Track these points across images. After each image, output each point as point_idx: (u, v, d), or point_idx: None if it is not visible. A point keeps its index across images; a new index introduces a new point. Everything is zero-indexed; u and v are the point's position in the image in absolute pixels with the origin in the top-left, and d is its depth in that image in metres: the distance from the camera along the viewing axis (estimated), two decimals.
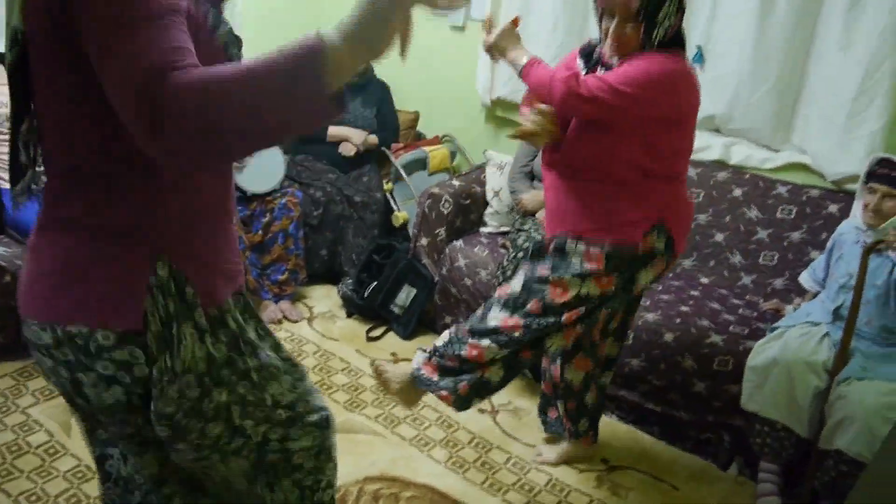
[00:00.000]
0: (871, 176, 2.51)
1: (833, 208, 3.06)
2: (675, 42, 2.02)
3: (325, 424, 1.38)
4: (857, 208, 2.59)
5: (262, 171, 3.42)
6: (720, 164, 3.36)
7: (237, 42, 1.14)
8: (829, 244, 2.75)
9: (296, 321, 3.54)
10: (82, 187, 1.06)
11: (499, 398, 2.94)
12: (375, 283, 3.54)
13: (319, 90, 0.90)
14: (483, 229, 3.63)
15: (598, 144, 2.04)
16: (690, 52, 3.30)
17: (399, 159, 3.88)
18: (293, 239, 3.57)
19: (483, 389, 2.28)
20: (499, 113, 4.04)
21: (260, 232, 3.51)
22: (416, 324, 3.51)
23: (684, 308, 2.93)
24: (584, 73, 2.11)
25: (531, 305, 2.14)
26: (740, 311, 2.98)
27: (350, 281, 3.65)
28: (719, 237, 3.28)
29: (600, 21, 2.03)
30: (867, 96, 2.91)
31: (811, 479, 2.40)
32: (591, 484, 2.58)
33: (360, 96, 3.98)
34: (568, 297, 2.11)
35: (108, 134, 1.01)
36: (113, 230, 1.07)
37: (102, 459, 1.35)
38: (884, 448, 2.19)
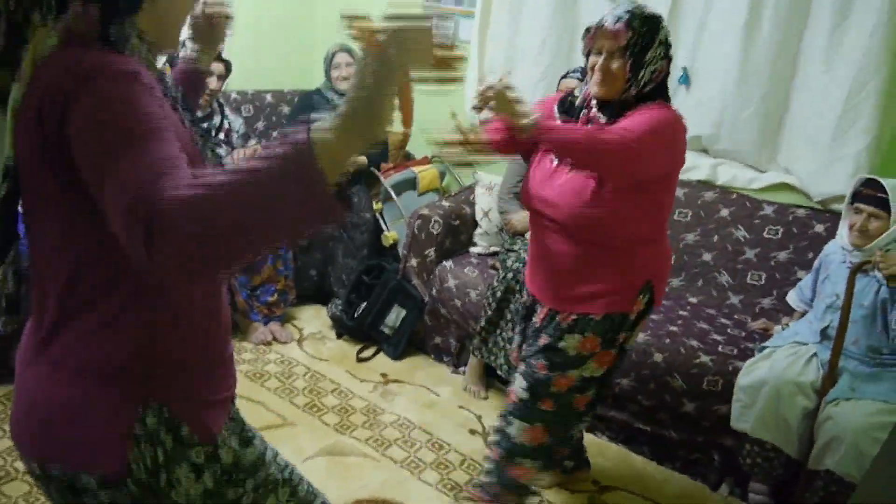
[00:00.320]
0: (857, 196, 2.54)
1: (819, 228, 3.09)
2: (661, 93, 1.97)
3: None
4: (842, 228, 2.62)
5: None
6: (707, 185, 3.39)
7: (209, 143, 1.16)
8: (815, 264, 2.77)
9: (285, 343, 3.53)
10: (71, 322, 1.02)
11: (490, 420, 2.94)
12: (365, 303, 3.53)
13: (314, 190, 0.83)
14: (473, 250, 3.64)
15: (598, 203, 1.93)
16: (675, 74, 3.35)
17: (388, 179, 3.89)
18: (282, 260, 3.57)
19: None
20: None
21: None
22: (406, 344, 3.51)
23: (673, 328, 2.94)
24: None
25: (544, 405, 2.08)
26: (729, 330, 3.00)
27: (339, 302, 3.65)
28: (707, 257, 3.30)
29: (587, 58, 1.99)
30: (851, 117, 2.95)
31: (801, 499, 2.41)
32: None
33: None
34: (574, 381, 2.06)
35: (101, 265, 0.99)
36: (101, 371, 1.03)
37: None
38: (873, 468, 2.21)
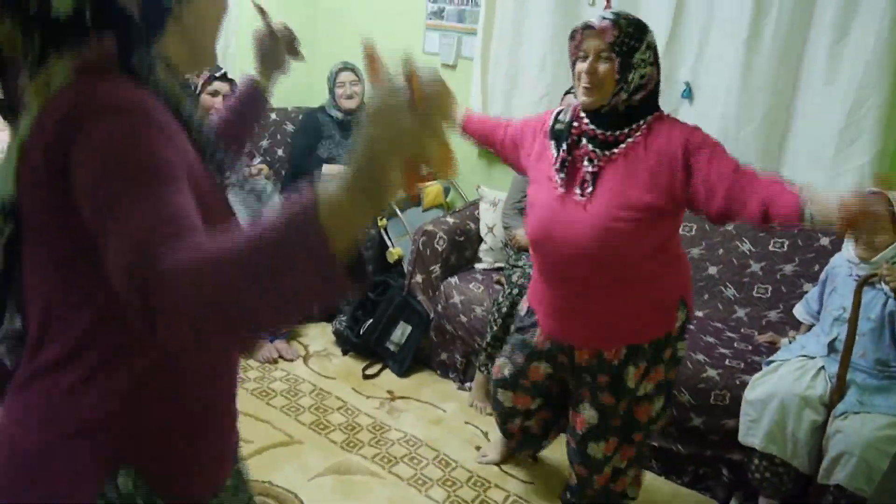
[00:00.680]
0: None
1: (825, 241, 3.08)
2: (654, 105, 1.95)
3: None
4: (849, 241, 2.61)
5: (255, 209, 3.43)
6: None
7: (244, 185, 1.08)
8: (822, 277, 2.77)
9: (291, 360, 3.53)
10: (49, 367, 0.93)
11: (496, 436, 2.93)
12: (371, 320, 3.53)
13: (320, 260, 0.73)
14: (478, 265, 3.64)
15: (632, 233, 1.89)
16: (678, 88, 3.37)
17: None
18: None
19: None
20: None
21: None
22: (411, 361, 3.51)
23: None
24: (555, 154, 2.01)
25: (613, 422, 2.16)
26: (735, 344, 2.99)
27: (345, 318, 3.65)
28: (713, 270, 3.29)
29: (573, 67, 1.94)
30: (854, 131, 2.96)
31: None
32: None
33: (353, 134, 4.01)
34: (630, 402, 2.13)
35: (88, 313, 0.91)
36: (72, 424, 0.92)
37: None
38: (883, 482, 2.20)
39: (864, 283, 2.39)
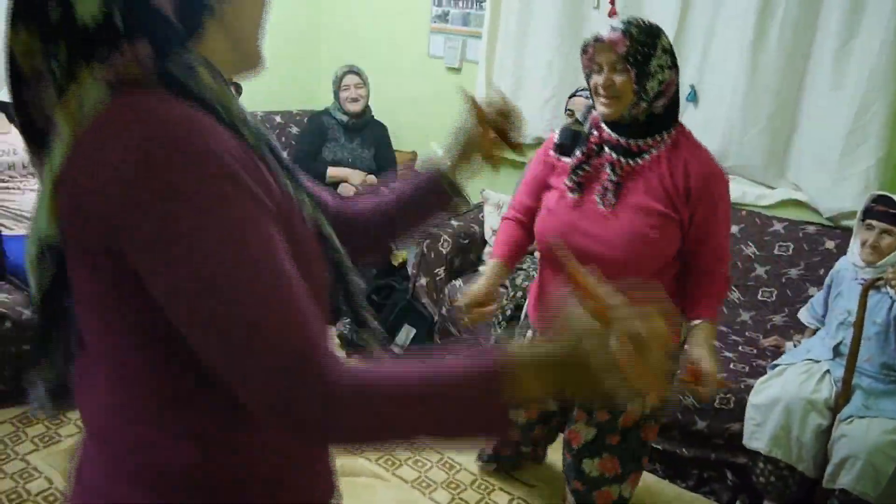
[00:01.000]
0: (869, 213, 2.53)
1: (830, 244, 3.08)
2: (675, 112, 1.89)
3: None
4: (854, 245, 2.61)
5: None
6: None
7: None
8: (827, 281, 2.76)
9: None
10: (131, 425, 0.83)
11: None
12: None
13: (494, 418, 0.74)
14: (482, 268, 3.63)
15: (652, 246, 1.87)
16: (683, 91, 3.36)
17: None
18: None
19: None
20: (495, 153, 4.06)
21: None
22: None
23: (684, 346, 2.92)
24: (569, 162, 1.95)
25: (612, 440, 2.12)
26: (740, 348, 2.98)
27: (349, 321, 3.64)
28: None
29: (588, 81, 1.89)
30: (860, 134, 2.95)
31: None
32: None
33: (359, 137, 4.02)
34: (637, 417, 2.07)
35: (173, 373, 0.80)
36: (155, 478, 0.83)
37: None
38: (889, 486, 2.19)
39: (870, 286, 2.38)
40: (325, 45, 4.58)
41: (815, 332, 2.81)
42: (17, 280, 2.82)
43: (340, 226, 1.01)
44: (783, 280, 3.16)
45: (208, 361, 0.74)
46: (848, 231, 2.92)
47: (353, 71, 3.94)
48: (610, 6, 3.49)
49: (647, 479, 2.81)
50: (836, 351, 2.53)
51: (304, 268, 0.78)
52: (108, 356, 0.82)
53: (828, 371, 2.49)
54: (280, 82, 4.36)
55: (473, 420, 0.75)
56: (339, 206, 1.12)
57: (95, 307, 0.80)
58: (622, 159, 1.86)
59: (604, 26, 1.85)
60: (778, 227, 3.21)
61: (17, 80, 0.77)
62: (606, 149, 1.89)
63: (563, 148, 1.97)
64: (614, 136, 1.87)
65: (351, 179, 3.91)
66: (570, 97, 3.10)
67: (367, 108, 4.01)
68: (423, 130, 4.28)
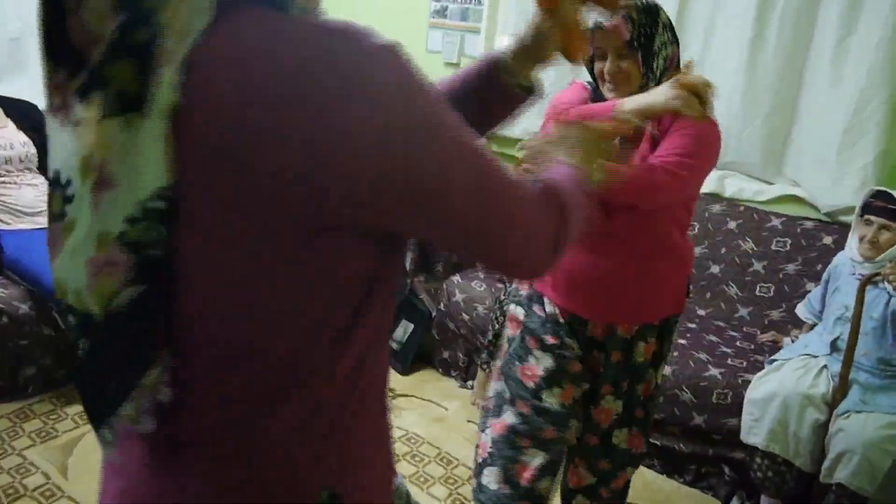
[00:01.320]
0: (867, 208, 2.53)
1: (827, 240, 3.08)
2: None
3: None
4: (852, 240, 2.61)
5: None
6: (714, 197, 3.39)
7: None
8: (824, 276, 2.76)
9: None
10: (252, 421, 0.72)
11: None
12: None
13: (587, 197, 0.97)
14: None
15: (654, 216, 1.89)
16: None
17: None
18: None
19: None
20: (494, 147, 4.07)
21: None
22: (413, 359, 3.50)
23: (682, 341, 2.93)
24: None
25: (637, 413, 2.09)
26: (738, 343, 2.98)
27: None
28: (715, 269, 3.29)
29: (591, 69, 1.88)
30: (858, 130, 2.95)
31: None
32: None
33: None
34: (653, 384, 2.05)
35: (309, 338, 0.71)
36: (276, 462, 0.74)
37: None
38: (885, 481, 2.20)
39: (868, 282, 2.39)
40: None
41: (812, 327, 2.81)
42: (14, 275, 2.81)
43: None
44: (781, 275, 3.16)
45: (478, 257, 0.82)
46: (845, 227, 2.92)
47: None
48: None
49: (646, 474, 2.82)
50: (834, 346, 2.53)
51: None
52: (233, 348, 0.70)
53: (825, 366, 2.50)
54: None
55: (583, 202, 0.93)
56: None
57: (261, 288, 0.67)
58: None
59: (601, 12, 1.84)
60: (776, 222, 3.21)
61: None
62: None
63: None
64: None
65: None
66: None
67: None
68: None
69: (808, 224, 3.15)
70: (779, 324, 3.10)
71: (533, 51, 1.03)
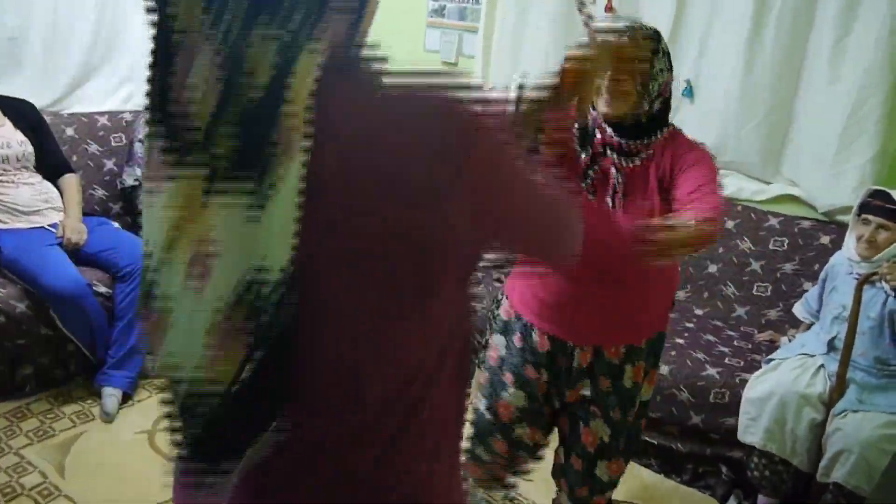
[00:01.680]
0: (865, 207, 2.53)
1: (825, 239, 3.08)
2: (668, 111, 1.91)
3: None
4: (849, 239, 2.61)
5: None
6: None
7: None
8: (822, 275, 2.76)
9: None
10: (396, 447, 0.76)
11: None
12: None
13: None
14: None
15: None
16: (679, 87, 3.36)
17: None
18: None
19: None
20: None
21: None
22: None
23: (679, 340, 2.93)
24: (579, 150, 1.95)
25: (621, 441, 2.07)
26: (735, 342, 2.99)
27: None
28: (712, 269, 3.29)
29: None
30: (855, 129, 2.95)
31: None
32: None
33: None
34: (638, 411, 2.06)
35: (427, 367, 0.76)
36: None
37: None
38: (882, 480, 2.20)
39: (865, 281, 2.39)
40: None
41: (809, 326, 2.81)
42: (11, 274, 2.81)
43: None
44: (778, 275, 3.16)
45: (539, 256, 1.01)
46: (843, 226, 2.92)
47: None
48: (606, 1, 3.48)
49: (643, 474, 2.82)
50: (831, 345, 2.53)
51: None
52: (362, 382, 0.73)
53: (822, 365, 2.50)
54: None
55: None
56: None
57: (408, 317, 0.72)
58: (623, 161, 1.88)
59: (601, 22, 1.87)
60: (773, 222, 3.21)
61: (162, 56, 0.61)
62: (609, 151, 1.89)
63: (583, 138, 1.96)
64: (615, 137, 1.87)
65: None
66: None
67: None
68: None
69: (806, 223, 3.15)
70: (776, 323, 3.10)
71: (545, 106, 1.23)
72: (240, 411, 0.64)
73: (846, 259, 2.61)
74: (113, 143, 3.63)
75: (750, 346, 2.96)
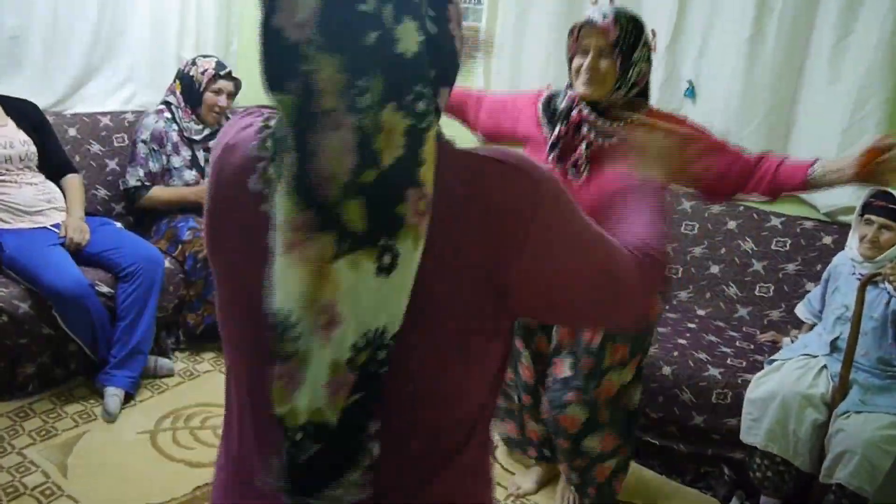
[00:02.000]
0: (867, 208, 2.53)
1: (827, 240, 3.08)
2: (646, 99, 2.02)
3: None
4: (852, 240, 2.61)
5: None
6: None
7: None
8: (824, 276, 2.76)
9: None
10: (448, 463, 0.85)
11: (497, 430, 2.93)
12: None
13: None
14: None
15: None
16: (681, 87, 3.36)
17: None
18: None
19: None
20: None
21: None
22: None
23: (681, 341, 2.93)
24: (547, 127, 2.06)
25: (601, 417, 2.21)
26: (737, 343, 2.99)
27: None
28: (715, 269, 3.29)
29: (570, 63, 1.98)
30: (856, 130, 2.95)
31: None
32: None
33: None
34: (615, 387, 2.17)
35: (480, 402, 0.86)
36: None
37: None
38: (885, 481, 2.20)
39: (868, 281, 2.38)
40: None
41: (811, 327, 2.81)
42: (13, 274, 2.81)
43: None
44: (780, 275, 3.16)
45: (581, 317, 1.01)
46: (844, 227, 2.92)
47: None
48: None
49: (645, 474, 2.82)
50: (833, 346, 2.53)
51: None
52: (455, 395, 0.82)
53: (825, 366, 2.50)
54: None
55: None
56: None
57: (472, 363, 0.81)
58: (599, 139, 1.98)
59: (590, 11, 1.96)
60: (775, 222, 3.21)
61: (301, 127, 0.65)
62: (585, 128, 1.99)
63: (549, 112, 2.08)
64: (593, 116, 1.97)
65: None
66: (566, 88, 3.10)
67: None
68: None
69: (808, 224, 3.15)
70: (778, 324, 3.10)
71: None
72: (345, 441, 0.71)
73: (849, 259, 2.61)
74: (115, 144, 3.63)
75: (752, 346, 2.96)
